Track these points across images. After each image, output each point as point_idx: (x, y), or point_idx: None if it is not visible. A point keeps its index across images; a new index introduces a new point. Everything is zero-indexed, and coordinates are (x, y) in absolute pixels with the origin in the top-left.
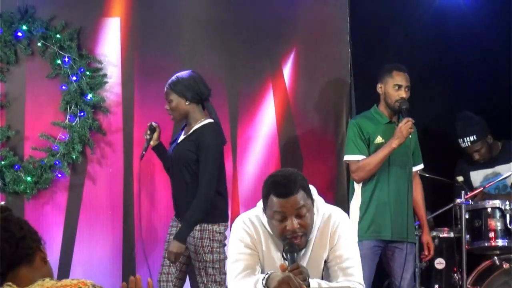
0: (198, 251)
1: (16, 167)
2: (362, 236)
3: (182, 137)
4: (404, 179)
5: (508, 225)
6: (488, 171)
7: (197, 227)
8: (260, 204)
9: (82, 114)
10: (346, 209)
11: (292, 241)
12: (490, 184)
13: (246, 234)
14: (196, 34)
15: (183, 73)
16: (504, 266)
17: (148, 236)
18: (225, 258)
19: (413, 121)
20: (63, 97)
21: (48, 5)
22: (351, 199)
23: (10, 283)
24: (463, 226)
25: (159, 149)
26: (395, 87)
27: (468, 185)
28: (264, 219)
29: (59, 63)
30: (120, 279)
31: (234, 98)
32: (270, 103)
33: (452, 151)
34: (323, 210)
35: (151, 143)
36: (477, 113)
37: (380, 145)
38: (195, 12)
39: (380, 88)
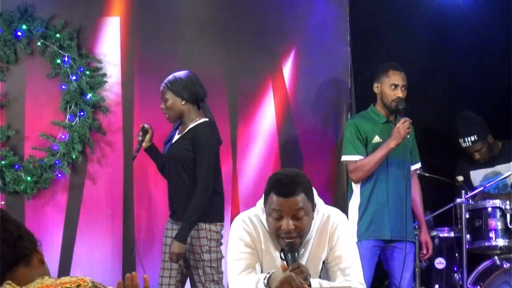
0: (195, 251)
1: (16, 166)
2: (361, 236)
3: (176, 136)
4: (403, 179)
5: (509, 225)
6: (488, 170)
7: (194, 226)
8: (259, 203)
9: (82, 113)
10: (346, 209)
11: (287, 240)
12: (490, 184)
13: (246, 233)
14: (196, 34)
15: (180, 73)
16: (504, 266)
17: (144, 236)
18: (222, 257)
19: (411, 121)
20: (63, 96)
21: (48, 4)
22: (350, 199)
23: (9, 282)
24: (464, 226)
25: (151, 150)
26: (391, 86)
27: (468, 184)
28: (264, 218)
29: (59, 63)
30: (120, 279)
31: (234, 97)
32: (270, 102)
33: (452, 151)
34: (322, 211)
35: (143, 144)
36: (477, 113)
37: (377, 145)
38: (195, 12)
39: (376, 87)
